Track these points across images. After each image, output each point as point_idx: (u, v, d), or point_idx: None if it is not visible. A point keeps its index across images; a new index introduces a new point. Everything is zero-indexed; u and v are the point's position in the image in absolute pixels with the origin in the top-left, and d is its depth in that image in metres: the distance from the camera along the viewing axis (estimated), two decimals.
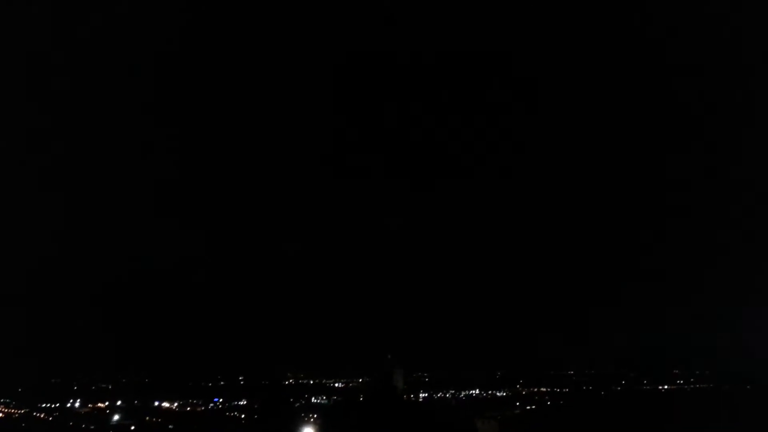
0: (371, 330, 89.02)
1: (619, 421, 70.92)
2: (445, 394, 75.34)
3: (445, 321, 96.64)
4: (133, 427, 60.58)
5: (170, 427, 60.38)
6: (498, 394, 78.06)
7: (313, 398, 74.04)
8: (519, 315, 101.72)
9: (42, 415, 65.17)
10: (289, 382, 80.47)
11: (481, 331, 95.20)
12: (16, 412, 65.97)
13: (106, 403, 70.60)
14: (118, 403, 70.51)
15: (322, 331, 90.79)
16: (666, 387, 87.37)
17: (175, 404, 71.57)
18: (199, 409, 70.72)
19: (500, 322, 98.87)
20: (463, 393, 75.99)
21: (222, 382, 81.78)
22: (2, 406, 68.59)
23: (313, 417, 60.65)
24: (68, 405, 69.93)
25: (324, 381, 79.86)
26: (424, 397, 74.23)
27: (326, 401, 71.75)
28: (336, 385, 79.03)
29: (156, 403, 71.34)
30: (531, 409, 75.39)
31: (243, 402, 71.20)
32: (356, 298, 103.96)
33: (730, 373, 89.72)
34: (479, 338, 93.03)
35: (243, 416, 65.36)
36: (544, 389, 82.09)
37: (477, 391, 77.28)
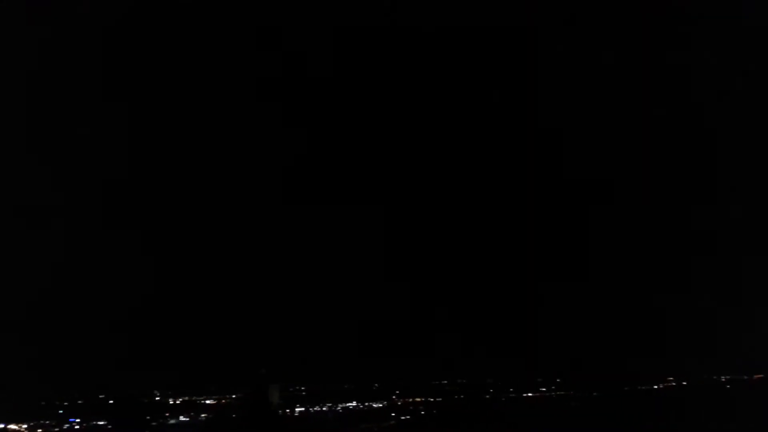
0: (247, 343, 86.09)
1: (482, 428, 75.95)
2: (322, 408, 74.85)
3: (321, 332, 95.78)
4: None
5: None
6: (374, 405, 78.77)
7: (181, 416, 70.53)
8: (394, 326, 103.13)
9: None
10: (155, 399, 76.01)
11: (359, 341, 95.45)
12: None
13: None
14: None
15: (193, 344, 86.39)
16: (530, 394, 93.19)
17: (25, 426, 64.44)
18: (53, 430, 64.92)
19: (376, 333, 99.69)
20: (339, 406, 75.89)
21: (80, 401, 75.30)
22: None
23: None
24: None
25: (194, 398, 76.06)
26: (300, 412, 73.33)
27: (189, 419, 68.80)
28: (207, 401, 75.63)
29: (2, 426, 64.49)
30: (406, 419, 77.15)
31: (102, 422, 66.38)
32: (230, 308, 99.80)
33: (588, 381, 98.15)
34: (356, 349, 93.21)
35: None
36: (419, 399, 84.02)
37: (354, 404, 77.45)
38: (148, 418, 67.22)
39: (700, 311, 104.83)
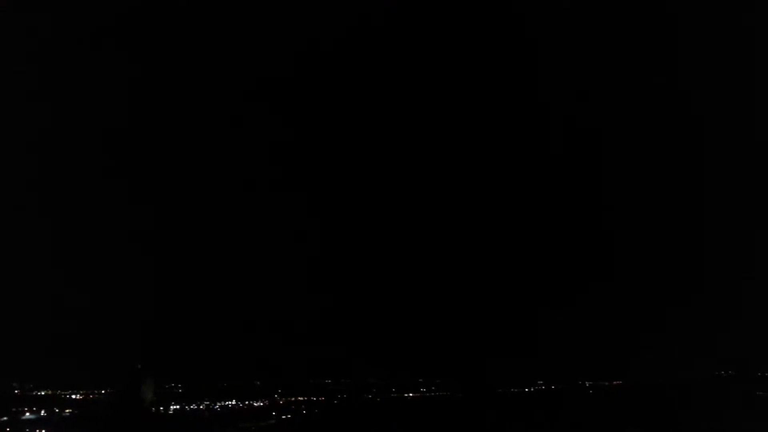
0: (120, 336, 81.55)
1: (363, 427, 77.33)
2: (199, 406, 72.33)
3: (202, 326, 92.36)
4: None
5: None
6: (255, 404, 77.25)
7: (42, 411, 65.18)
8: (279, 322, 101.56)
9: None
10: (13, 392, 69.89)
11: (240, 339, 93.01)
12: None
13: None
14: None
15: (61, 334, 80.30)
16: (411, 395, 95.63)
17: None
18: None
19: (259, 329, 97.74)
20: (218, 404, 73.68)
21: None
22: None
23: None
24: None
25: (59, 392, 70.78)
26: (175, 410, 70.38)
27: (49, 415, 63.89)
28: (73, 396, 70.68)
29: None
30: (287, 418, 76.39)
31: None
32: (103, 295, 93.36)
33: (465, 383, 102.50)
34: (238, 346, 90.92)
35: None
36: (302, 398, 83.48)
37: (234, 402, 75.50)
38: None
39: (572, 320, 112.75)
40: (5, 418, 61.01)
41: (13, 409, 63.60)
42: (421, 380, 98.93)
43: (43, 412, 65.72)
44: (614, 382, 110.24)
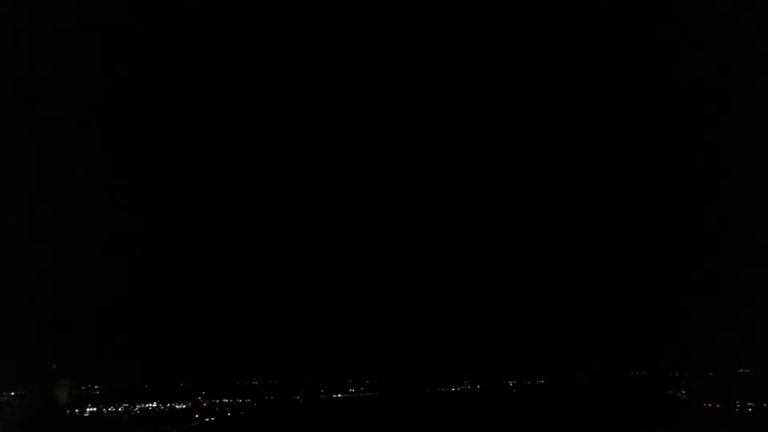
0: (33, 334, 78.09)
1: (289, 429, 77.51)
2: (117, 408, 70.31)
3: (122, 324, 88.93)
4: None
5: None
6: (177, 406, 75.70)
7: None
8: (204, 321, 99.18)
9: None
10: None
11: (162, 339, 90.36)
12: None
13: None
14: None
15: None
16: (339, 395, 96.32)
17: None
18: None
19: (184, 328, 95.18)
20: (138, 406, 71.78)
21: None
22: None
23: None
24: None
25: None
26: (92, 412, 68.14)
27: None
28: None
29: None
30: (210, 421, 75.29)
31: None
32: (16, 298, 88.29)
33: (394, 383, 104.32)
34: (159, 347, 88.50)
35: None
36: (227, 400, 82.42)
37: (155, 404, 73.74)
38: None
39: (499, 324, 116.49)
40: None
41: None
42: (350, 381, 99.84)
43: None
44: (537, 382, 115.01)
